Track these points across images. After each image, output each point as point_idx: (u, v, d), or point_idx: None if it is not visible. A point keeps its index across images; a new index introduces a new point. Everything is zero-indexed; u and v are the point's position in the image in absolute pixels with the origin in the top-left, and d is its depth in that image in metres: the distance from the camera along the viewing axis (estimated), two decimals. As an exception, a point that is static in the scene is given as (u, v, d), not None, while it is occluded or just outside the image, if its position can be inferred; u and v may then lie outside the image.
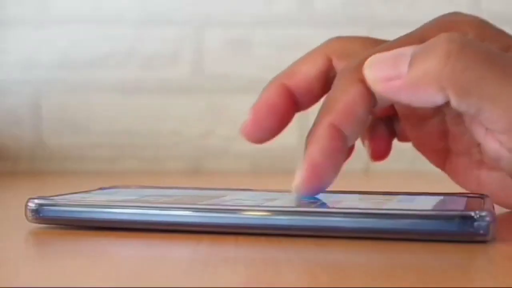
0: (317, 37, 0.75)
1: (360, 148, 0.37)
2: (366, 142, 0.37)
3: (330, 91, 0.30)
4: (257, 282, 0.20)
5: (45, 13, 0.75)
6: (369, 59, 0.29)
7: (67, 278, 0.20)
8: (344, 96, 0.29)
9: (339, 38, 0.35)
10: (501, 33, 0.31)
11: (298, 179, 0.29)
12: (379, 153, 0.36)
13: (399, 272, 0.21)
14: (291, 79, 0.34)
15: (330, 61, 0.34)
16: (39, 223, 0.29)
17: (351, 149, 0.36)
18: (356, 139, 0.30)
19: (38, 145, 0.75)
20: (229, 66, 0.75)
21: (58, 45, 0.75)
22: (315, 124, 0.29)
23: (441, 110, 0.33)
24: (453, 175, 0.35)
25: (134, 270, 0.21)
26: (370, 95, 0.29)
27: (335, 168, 0.29)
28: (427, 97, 0.27)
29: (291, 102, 0.34)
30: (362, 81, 0.29)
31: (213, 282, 0.20)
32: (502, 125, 0.27)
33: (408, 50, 0.28)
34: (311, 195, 0.29)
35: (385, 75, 0.28)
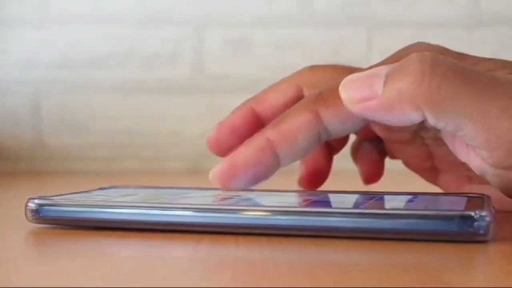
0: (317, 37, 0.75)
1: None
2: (358, 165, 0.37)
3: (284, 112, 0.31)
4: (257, 282, 0.20)
5: (45, 13, 0.75)
6: (344, 80, 0.29)
7: (67, 278, 0.20)
8: (291, 119, 0.30)
9: (312, 68, 0.36)
10: (462, 55, 0.31)
11: (216, 168, 0.30)
12: (371, 176, 0.37)
13: (399, 272, 0.21)
14: (259, 104, 0.35)
15: (300, 90, 0.35)
16: (39, 223, 0.29)
17: (329, 161, 0.37)
18: (290, 162, 0.31)
19: (38, 145, 0.75)
20: (229, 66, 0.75)
21: (58, 45, 0.75)
22: (256, 134, 0.30)
23: (418, 134, 0.34)
24: (446, 190, 0.36)
25: (134, 270, 0.21)
26: (318, 127, 0.30)
27: (253, 177, 0.30)
28: (403, 116, 0.27)
29: (255, 126, 0.35)
30: (315, 112, 0.30)
31: (213, 282, 0.20)
32: (481, 141, 0.27)
33: (382, 70, 0.28)
34: (221, 188, 0.31)
35: (360, 96, 0.28)
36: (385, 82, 0.27)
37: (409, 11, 0.75)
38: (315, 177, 0.37)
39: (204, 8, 0.75)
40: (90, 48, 0.75)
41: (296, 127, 0.30)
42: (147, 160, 0.75)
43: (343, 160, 0.38)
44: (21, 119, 0.75)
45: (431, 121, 0.27)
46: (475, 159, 0.28)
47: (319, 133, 0.30)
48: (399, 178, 0.40)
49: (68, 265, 0.22)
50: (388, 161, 0.38)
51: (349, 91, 0.28)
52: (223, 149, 0.35)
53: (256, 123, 0.35)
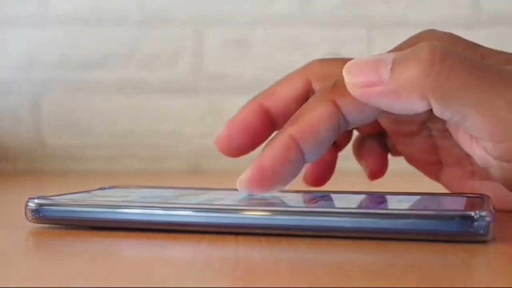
0: (317, 37, 0.75)
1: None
2: (362, 162, 0.37)
3: (301, 107, 0.30)
4: (257, 282, 0.20)
5: (45, 13, 0.75)
6: (348, 63, 0.28)
7: (67, 278, 0.20)
8: (310, 112, 0.29)
9: (320, 61, 0.35)
10: (475, 45, 0.31)
11: (243, 176, 0.29)
12: (376, 171, 0.37)
13: (399, 272, 0.21)
14: (269, 99, 0.34)
15: (309, 83, 0.35)
16: (39, 223, 0.29)
17: (334, 158, 0.36)
18: (315, 157, 0.30)
19: (38, 145, 0.75)
20: (229, 66, 0.75)
21: (58, 45, 0.75)
22: (277, 134, 0.30)
23: (426, 125, 0.34)
24: (448, 186, 0.36)
25: (134, 270, 0.21)
26: (338, 116, 0.29)
27: (283, 177, 0.29)
28: (409, 104, 0.27)
29: (266, 122, 0.34)
30: (333, 101, 0.29)
31: (213, 282, 0.20)
32: (486, 132, 0.27)
33: (389, 56, 0.28)
34: (253, 194, 0.29)
35: (365, 80, 0.28)
36: (392, 69, 0.27)
37: (409, 11, 0.75)
38: (320, 174, 0.37)
39: (204, 8, 0.75)
40: (90, 48, 0.75)
41: (317, 119, 0.29)
42: (147, 160, 0.75)
43: (343, 160, 0.38)
44: (21, 119, 0.75)
45: (437, 111, 0.27)
46: (479, 151, 0.28)
47: (339, 123, 0.29)
48: (399, 178, 0.40)
49: (68, 265, 0.22)
50: (389, 162, 0.38)
51: (354, 75, 0.28)
52: (234, 148, 0.34)
53: (267, 119, 0.34)
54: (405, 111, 0.28)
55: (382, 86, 0.27)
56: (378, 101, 0.28)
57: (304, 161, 0.29)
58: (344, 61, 0.35)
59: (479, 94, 0.26)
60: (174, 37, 0.75)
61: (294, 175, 0.29)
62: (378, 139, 0.37)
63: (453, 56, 0.27)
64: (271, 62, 0.75)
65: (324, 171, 0.37)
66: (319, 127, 0.29)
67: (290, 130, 0.29)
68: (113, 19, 0.75)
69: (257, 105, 0.34)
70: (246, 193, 0.30)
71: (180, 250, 0.25)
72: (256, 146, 0.34)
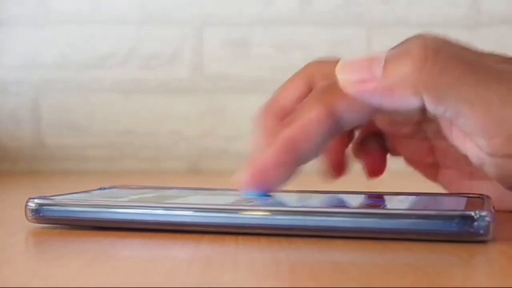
0: (317, 37, 0.75)
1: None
2: (361, 160, 0.37)
3: (297, 108, 0.30)
4: (257, 282, 0.20)
5: (45, 13, 0.75)
6: (341, 62, 0.29)
7: (67, 278, 0.20)
8: (304, 115, 0.29)
9: (318, 62, 0.36)
10: (466, 47, 0.31)
11: (242, 175, 0.29)
12: (375, 170, 0.37)
13: (399, 272, 0.21)
14: (275, 106, 0.34)
15: (310, 84, 0.35)
16: (39, 223, 0.29)
17: (342, 159, 0.36)
18: (310, 158, 0.30)
19: (38, 145, 0.75)
20: (229, 66, 0.75)
21: (58, 45, 0.75)
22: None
23: (421, 127, 0.34)
24: (447, 187, 0.36)
25: (134, 270, 0.21)
26: (331, 118, 0.29)
27: (280, 179, 0.29)
28: (401, 100, 0.27)
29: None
30: (326, 103, 0.29)
31: (213, 282, 0.20)
32: (479, 128, 0.27)
33: (381, 54, 0.28)
34: (249, 193, 0.29)
35: (358, 78, 0.28)
36: (385, 66, 0.27)
37: (409, 11, 0.75)
38: (337, 168, 0.36)
39: (204, 8, 0.75)
40: (90, 48, 0.75)
41: (310, 122, 0.29)
42: (147, 160, 0.75)
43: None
44: (21, 119, 0.75)
45: (430, 107, 0.27)
46: (472, 148, 0.29)
47: (331, 126, 0.29)
48: (399, 178, 0.40)
49: (68, 265, 0.22)
50: (389, 161, 0.38)
51: (347, 73, 0.28)
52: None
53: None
54: (398, 108, 0.28)
55: (375, 83, 0.28)
56: (371, 97, 0.28)
57: (298, 164, 0.30)
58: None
59: (472, 89, 0.27)
60: (174, 37, 0.75)
61: (287, 177, 0.30)
62: (378, 139, 0.37)
63: (446, 52, 0.27)
64: (271, 62, 0.75)
65: (341, 165, 0.36)
66: (313, 130, 0.29)
67: (287, 132, 0.29)
68: (113, 19, 0.75)
69: (267, 114, 0.34)
70: (243, 192, 0.30)
71: (180, 250, 0.25)
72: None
